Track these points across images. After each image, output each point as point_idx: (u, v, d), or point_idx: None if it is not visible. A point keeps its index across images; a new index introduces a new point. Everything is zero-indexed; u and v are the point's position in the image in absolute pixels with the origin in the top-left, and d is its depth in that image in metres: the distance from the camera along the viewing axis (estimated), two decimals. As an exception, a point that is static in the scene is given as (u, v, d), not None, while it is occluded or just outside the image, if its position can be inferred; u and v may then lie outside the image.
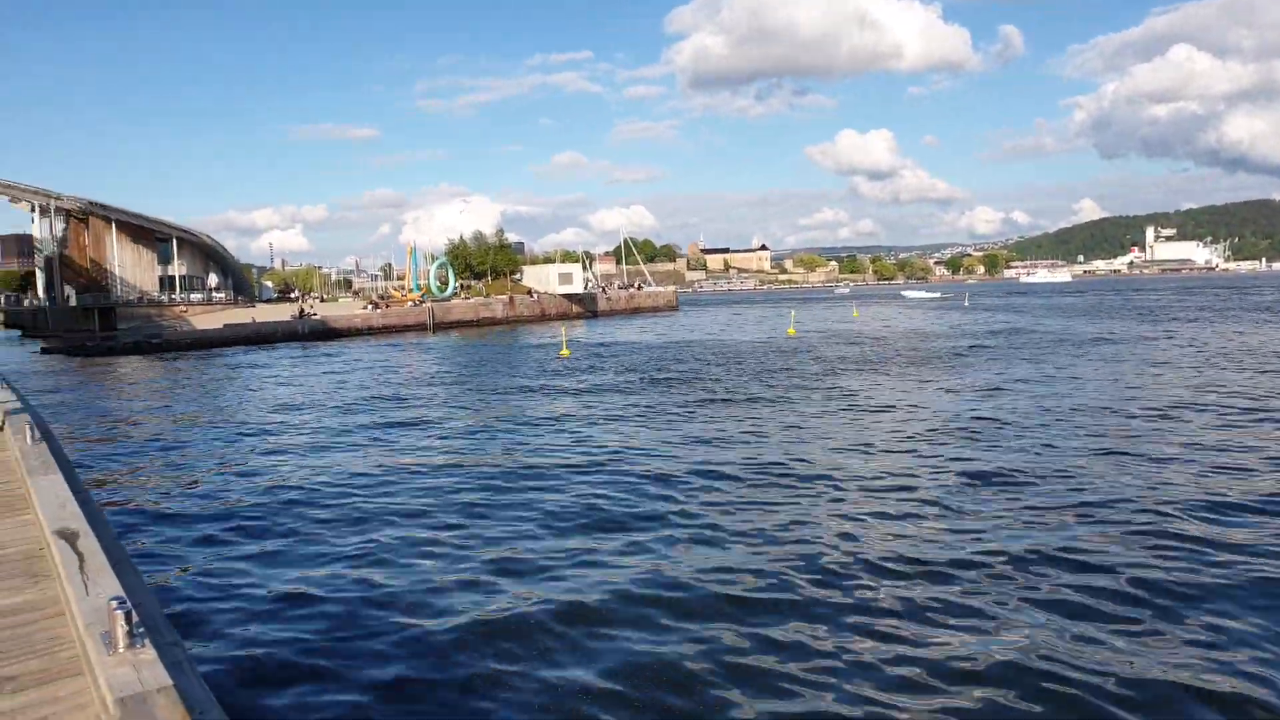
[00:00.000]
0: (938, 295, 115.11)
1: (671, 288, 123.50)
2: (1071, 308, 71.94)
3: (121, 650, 2.86)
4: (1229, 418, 16.78)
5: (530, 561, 9.31)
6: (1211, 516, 10.11)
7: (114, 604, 2.95)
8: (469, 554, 9.63)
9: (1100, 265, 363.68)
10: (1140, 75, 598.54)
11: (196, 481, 14.15)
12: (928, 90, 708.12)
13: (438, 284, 77.98)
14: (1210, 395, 19.80)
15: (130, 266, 68.83)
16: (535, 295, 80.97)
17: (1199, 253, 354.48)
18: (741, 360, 32.98)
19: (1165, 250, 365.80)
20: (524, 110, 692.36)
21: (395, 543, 10.13)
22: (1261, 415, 16.90)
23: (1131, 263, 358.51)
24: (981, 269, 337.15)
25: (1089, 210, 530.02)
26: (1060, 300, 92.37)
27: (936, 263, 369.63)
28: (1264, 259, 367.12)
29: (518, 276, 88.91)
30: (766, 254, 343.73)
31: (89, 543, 3.99)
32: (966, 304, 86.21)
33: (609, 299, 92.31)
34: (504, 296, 77.71)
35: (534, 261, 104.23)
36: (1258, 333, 39.04)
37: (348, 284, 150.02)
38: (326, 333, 59.35)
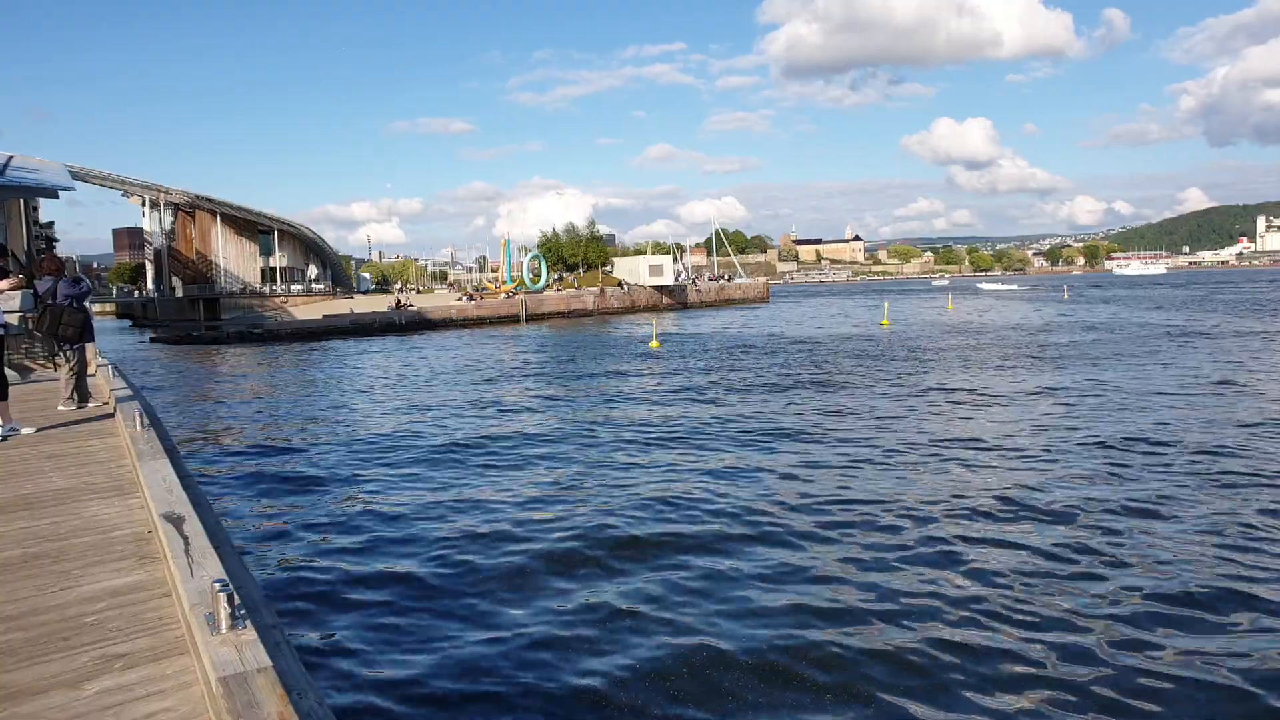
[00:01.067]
0: (1014, 287, 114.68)
1: (763, 279, 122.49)
2: (1167, 299, 68.30)
3: (224, 630, 2.94)
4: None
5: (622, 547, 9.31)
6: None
7: (217, 586, 3.04)
8: (569, 551, 9.69)
9: (1207, 256, 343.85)
10: (1254, 58, 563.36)
11: (296, 468, 14.66)
12: (1028, 78, 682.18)
13: (530, 276, 79.05)
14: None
15: (234, 258, 71.93)
16: (626, 287, 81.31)
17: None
18: (832, 353, 32.41)
19: (1277, 240, 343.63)
20: (618, 103, 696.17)
21: (483, 540, 10.27)
22: None
23: (1240, 253, 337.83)
24: (1081, 260, 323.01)
25: (1195, 200, 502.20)
26: (1153, 292, 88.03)
27: (1035, 254, 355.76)
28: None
29: (609, 268, 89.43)
30: (860, 245, 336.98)
31: (193, 526, 4.13)
32: (1066, 296, 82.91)
33: (699, 290, 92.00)
34: (595, 289, 78.29)
35: (625, 253, 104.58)
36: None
37: (443, 276, 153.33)
38: (423, 323, 60.87)
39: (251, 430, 19.03)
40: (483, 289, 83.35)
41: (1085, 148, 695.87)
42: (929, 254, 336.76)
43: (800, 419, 17.71)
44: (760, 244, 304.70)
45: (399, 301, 67.74)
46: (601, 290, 77.74)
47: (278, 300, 71.33)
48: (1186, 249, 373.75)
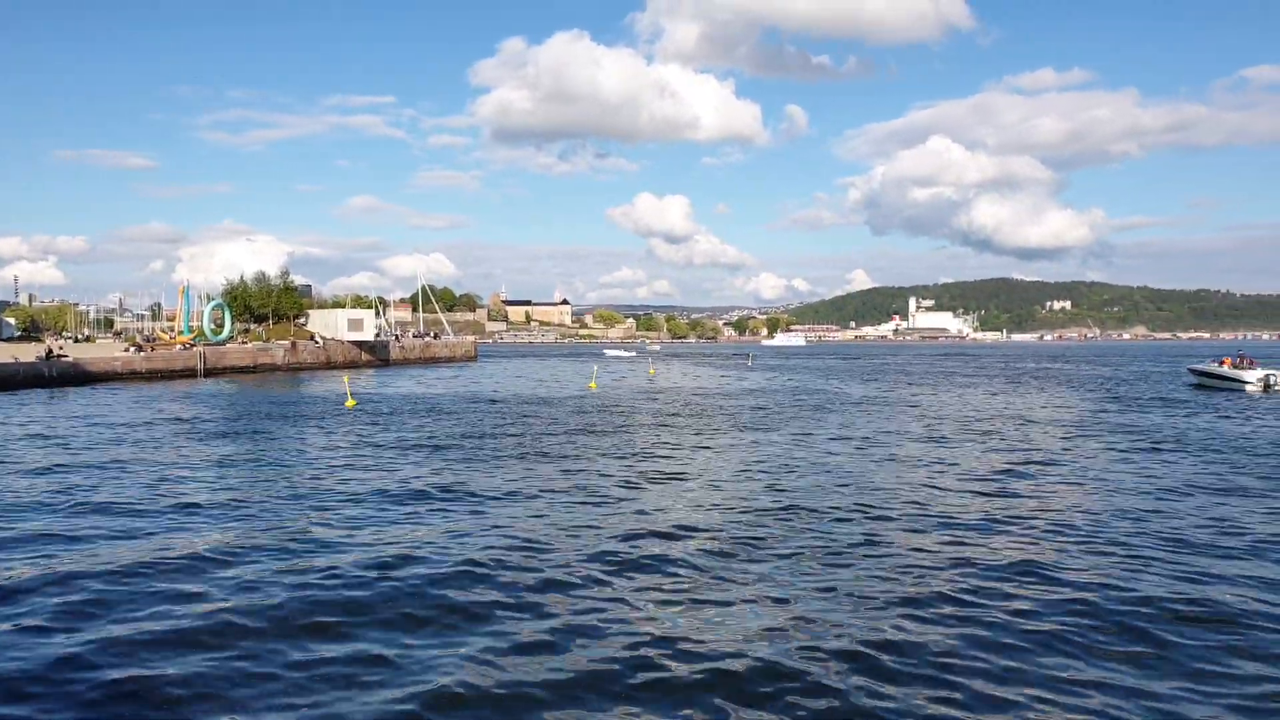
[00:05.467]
0: (633, 354, 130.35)
1: (471, 338, 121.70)
2: (834, 369, 77.42)
3: None
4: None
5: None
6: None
7: None
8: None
9: (869, 331, 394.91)
10: (904, 161, 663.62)
11: None
12: (721, 161, 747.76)
13: (212, 326, 72.45)
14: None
15: None
16: (321, 341, 77.05)
17: (953, 323, 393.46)
18: (537, 415, 32.64)
19: (924, 319, 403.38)
20: (320, 150, 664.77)
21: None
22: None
23: (896, 329, 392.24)
24: (765, 330, 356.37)
25: (860, 280, 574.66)
26: (793, 360, 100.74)
27: (725, 323, 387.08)
28: (1005, 330, 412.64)
29: (303, 321, 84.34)
30: (568, 308, 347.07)
31: None
32: (750, 364, 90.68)
33: (403, 347, 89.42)
34: (286, 342, 73.33)
35: (322, 305, 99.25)
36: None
37: (109, 324, 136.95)
38: (80, 376, 53.26)
39: None
40: (154, 339, 75.00)
41: (769, 229, 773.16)
42: (631, 320, 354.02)
43: (490, 481, 17.46)
44: (470, 302, 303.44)
45: (49, 351, 58.98)
46: (293, 344, 72.99)
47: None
48: (853, 323, 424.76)
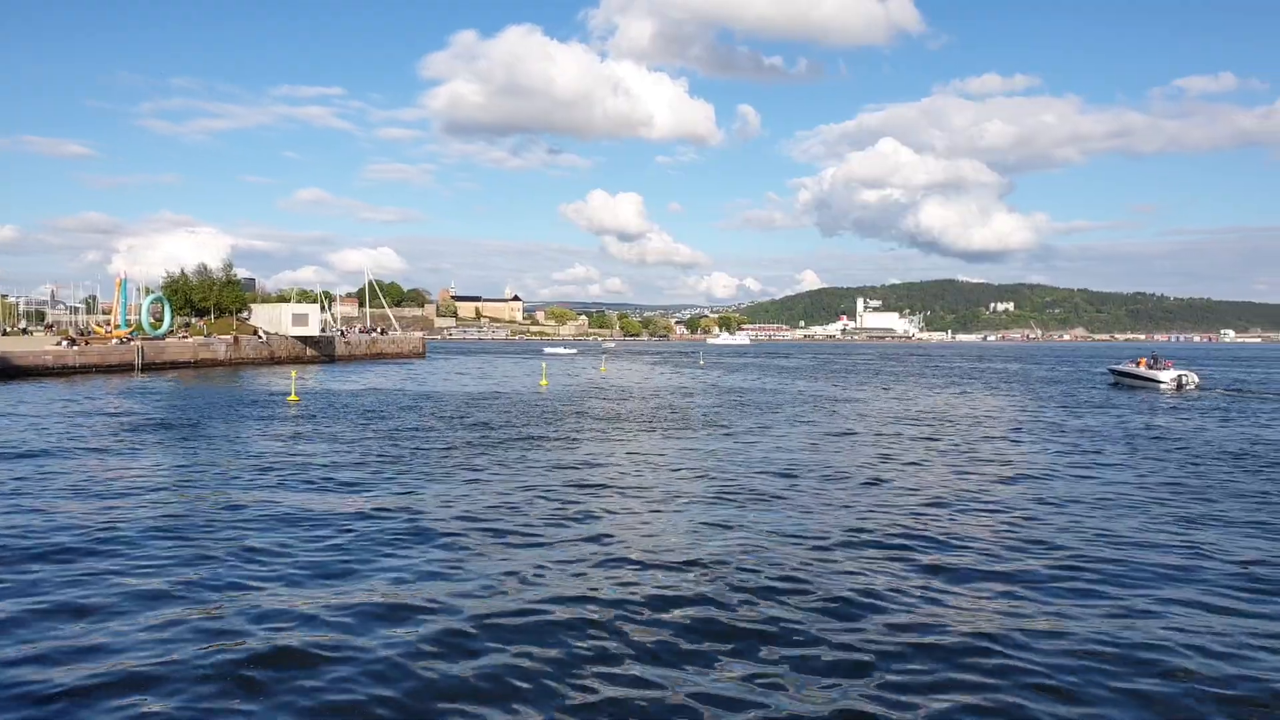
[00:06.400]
0: (574, 351, 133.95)
1: (419, 334, 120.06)
2: (789, 367, 78.03)
3: None
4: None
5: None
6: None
7: None
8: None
9: (819, 330, 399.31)
10: (855, 163, 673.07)
11: None
12: (674, 160, 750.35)
13: (151, 320, 70.43)
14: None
15: None
16: (264, 336, 75.37)
17: (899, 323, 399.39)
18: (482, 413, 32.22)
19: (872, 320, 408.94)
20: (268, 141, 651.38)
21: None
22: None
23: (844, 329, 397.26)
24: (717, 329, 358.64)
25: (810, 280, 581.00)
26: (737, 360, 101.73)
27: (678, 322, 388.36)
28: (950, 331, 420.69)
29: (246, 315, 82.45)
30: (519, 305, 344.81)
31: None
32: (702, 363, 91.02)
33: (349, 343, 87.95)
34: (228, 337, 71.59)
35: (267, 300, 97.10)
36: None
37: (40, 316, 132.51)
38: (6, 370, 51.44)
39: None
40: (89, 332, 72.69)
41: (722, 228, 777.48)
42: (584, 317, 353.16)
43: (429, 483, 17.11)
44: (418, 297, 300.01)
45: (-27, 343, 56.80)
46: (235, 339, 71.31)
47: None
48: (803, 323, 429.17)
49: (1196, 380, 46.63)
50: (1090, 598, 9.81)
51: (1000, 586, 10.23)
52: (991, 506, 14.98)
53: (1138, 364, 50.53)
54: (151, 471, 18.21)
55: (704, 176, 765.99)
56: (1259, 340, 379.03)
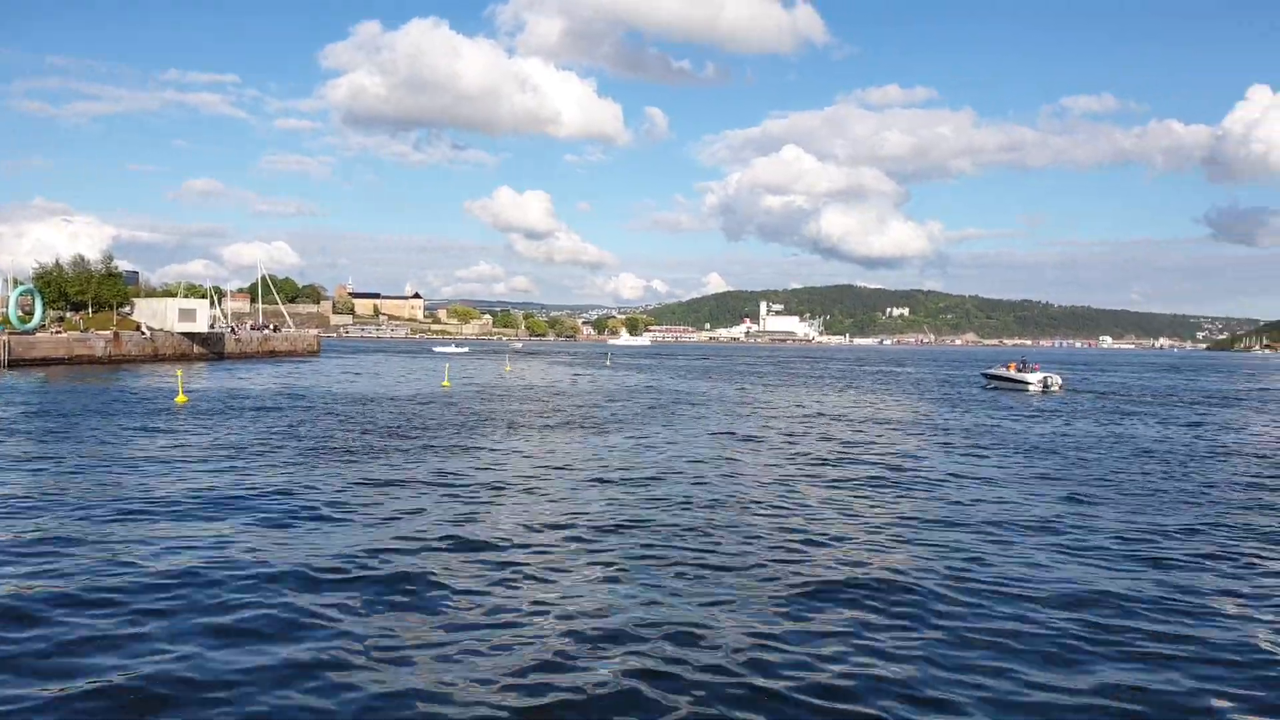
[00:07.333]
0: (466, 350, 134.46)
1: (314, 331, 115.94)
2: (688, 368, 78.19)
3: None
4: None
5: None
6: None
7: None
8: None
9: (723, 333, 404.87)
10: (760, 168, 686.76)
11: None
12: (582, 159, 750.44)
13: (20, 314, 65.52)
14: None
15: None
16: (148, 332, 71.17)
17: (800, 327, 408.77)
18: (381, 415, 30.76)
19: (774, 323, 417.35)
20: (155, 128, 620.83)
21: None
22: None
23: (747, 331, 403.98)
24: (624, 330, 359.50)
25: (716, 283, 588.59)
26: (644, 360, 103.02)
27: (585, 322, 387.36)
28: (848, 334, 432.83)
29: (128, 310, 77.68)
30: (420, 302, 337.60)
31: None
32: (609, 364, 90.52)
33: (239, 340, 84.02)
34: (108, 332, 67.26)
35: (151, 294, 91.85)
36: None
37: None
38: None
39: None
40: (-52, 326, 67.16)
41: (630, 229, 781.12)
42: (488, 316, 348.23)
43: (334, 491, 15.92)
44: (314, 294, 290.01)
45: None
46: (116, 335, 67.08)
47: None
48: (709, 325, 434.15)
49: (1060, 382, 51.47)
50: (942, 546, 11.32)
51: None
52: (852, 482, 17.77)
53: (1008, 368, 54.50)
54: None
55: (612, 176, 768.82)
56: (1132, 346, 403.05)
